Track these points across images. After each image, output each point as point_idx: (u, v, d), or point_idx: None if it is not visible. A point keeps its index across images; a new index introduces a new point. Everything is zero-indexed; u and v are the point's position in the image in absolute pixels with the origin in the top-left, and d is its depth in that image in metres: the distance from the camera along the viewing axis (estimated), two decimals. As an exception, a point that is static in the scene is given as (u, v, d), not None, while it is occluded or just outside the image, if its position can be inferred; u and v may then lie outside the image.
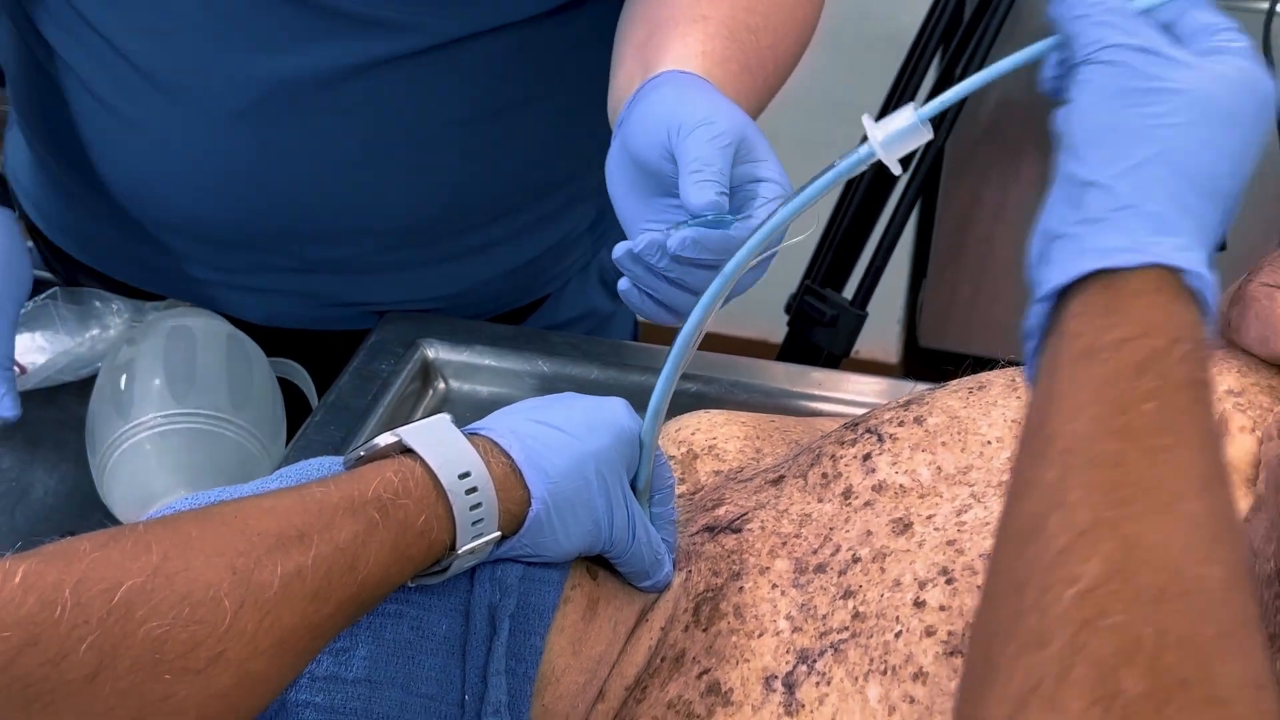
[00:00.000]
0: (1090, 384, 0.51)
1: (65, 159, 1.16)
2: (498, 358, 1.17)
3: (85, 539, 0.56)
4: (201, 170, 1.08)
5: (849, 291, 1.75)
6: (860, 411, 0.89)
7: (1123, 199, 0.55)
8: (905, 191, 1.61)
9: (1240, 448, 0.67)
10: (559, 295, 1.29)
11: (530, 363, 1.15)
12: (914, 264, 2.59)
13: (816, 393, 1.12)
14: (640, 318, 0.92)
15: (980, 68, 1.57)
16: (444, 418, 0.68)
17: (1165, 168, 0.55)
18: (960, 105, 1.54)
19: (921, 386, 0.88)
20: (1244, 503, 0.65)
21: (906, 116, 0.65)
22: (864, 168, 0.67)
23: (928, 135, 0.66)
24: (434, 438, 0.67)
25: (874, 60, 1.96)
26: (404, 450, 0.67)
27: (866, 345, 2.59)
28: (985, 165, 2.50)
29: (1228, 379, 0.77)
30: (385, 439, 0.67)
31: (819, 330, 1.60)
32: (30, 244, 1.24)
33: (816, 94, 2.37)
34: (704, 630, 0.74)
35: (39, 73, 1.13)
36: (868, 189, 1.65)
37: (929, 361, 2.70)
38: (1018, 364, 0.82)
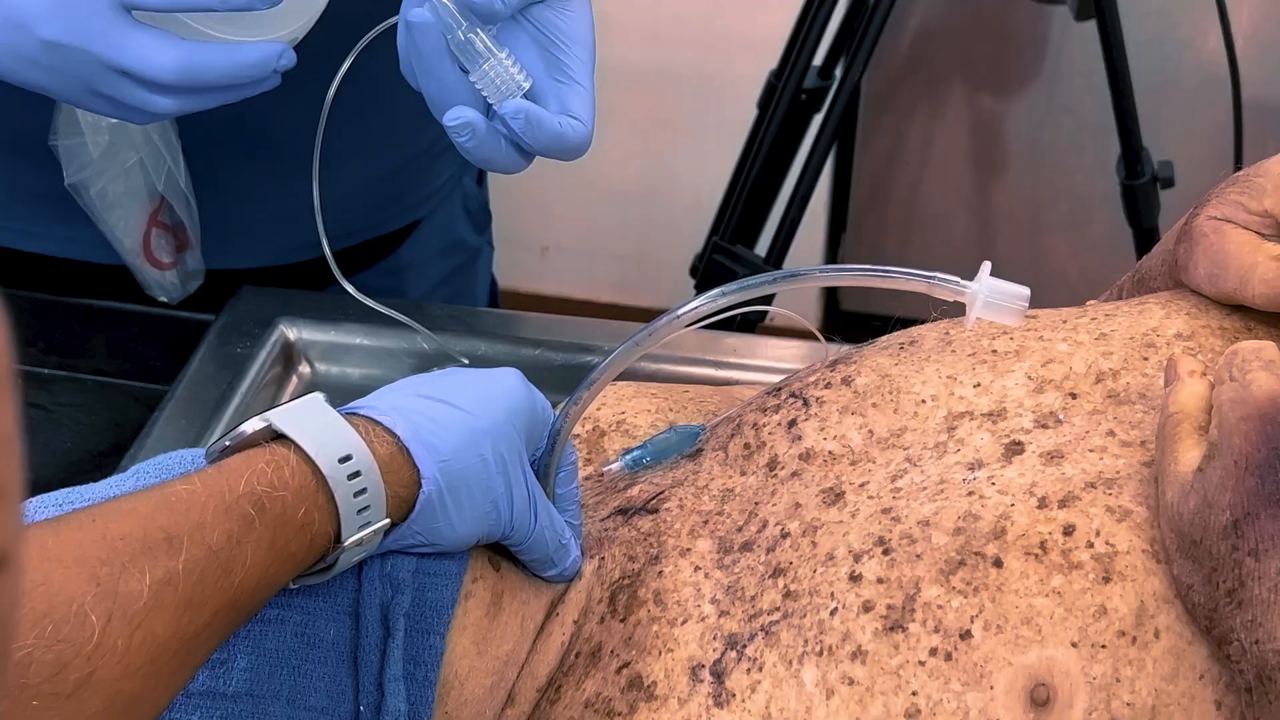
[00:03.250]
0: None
1: None
2: (367, 335, 1.19)
3: None
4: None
5: (762, 249, 1.79)
6: (781, 378, 0.93)
7: None
8: (820, 134, 1.65)
9: (1190, 393, 0.71)
10: (428, 222, 1.33)
11: (408, 339, 1.17)
12: (831, 215, 2.64)
13: (732, 360, 1.16)
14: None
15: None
16: (317, 397, 0.71)
17: None
18: (876, 35, 1.58)
19: (846, 347, 0.91)
20: (1197, 451, 0.69)
21: None
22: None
23: None
24: (308, 420, 0.69)
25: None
26: (275, 436, 0.69)
27: (781, 310, 2.64)
28: (908, 102, 2.55)
29: (1176, 322, 0.82)
30: (253, 424, 0.69)
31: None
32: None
33: (712, 25, 2.43)
34: (621, 621, 0.78)
35: None
36: (778, 132, 1.69)
37: (852, 326, 2.76)
38: (951, 317, 0.86)
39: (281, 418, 0.69)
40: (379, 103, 1.19)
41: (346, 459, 0.68)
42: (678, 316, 0.78)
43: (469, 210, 1.39)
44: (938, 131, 2.57)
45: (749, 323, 1.66)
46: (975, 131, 2.58)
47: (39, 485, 1.17)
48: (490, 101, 0.88)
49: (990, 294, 0.76)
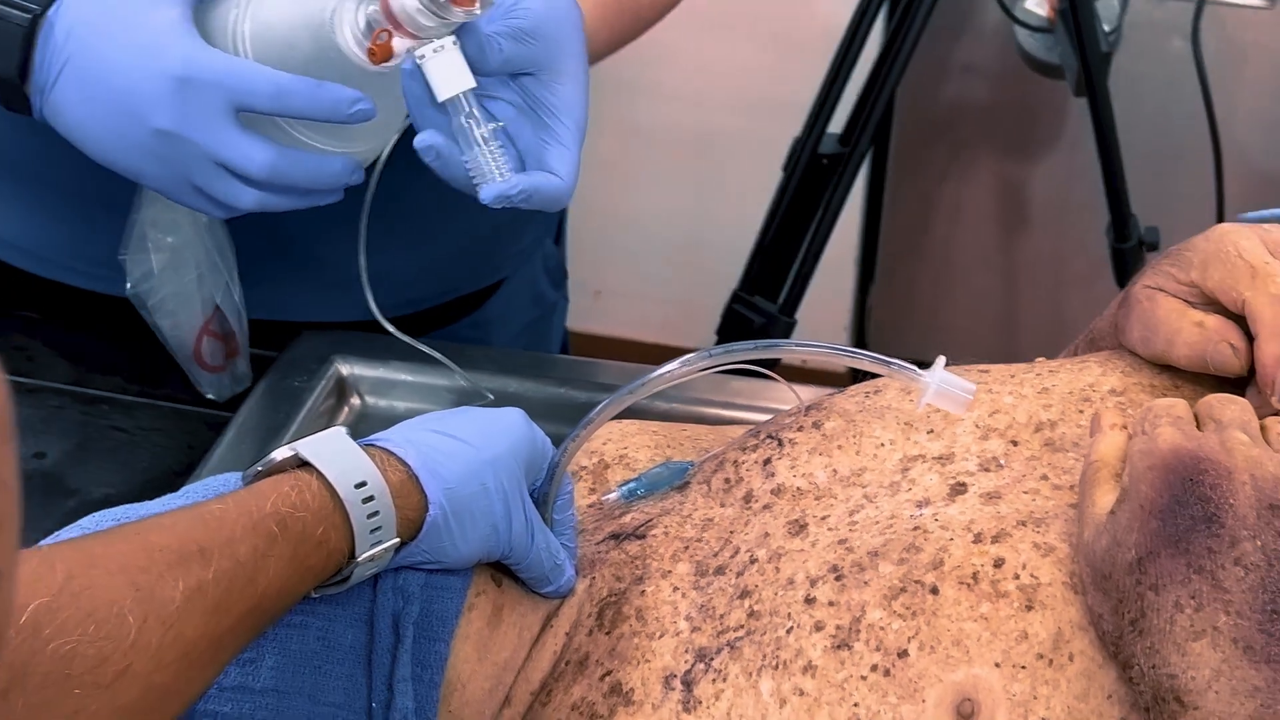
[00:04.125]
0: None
1: (12, 171, 1.21)
2: (412, 373, 1.23)
3: None
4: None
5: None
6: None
7: None
8: (831, 197, 1.68)
9: (1109, 444, 0.75)
10: (512, 279, 1.36)
11: (447, 376, 1.22)
12: (861, 269, 2.67)
13: (736, 401, 1.20)
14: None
15: (902, 68, 1.64)
16: (339, 430, 0.75)
17: None
18: (884, 111, 1.62)
19: (824, 392, 0.95)
20: (1112, 495, 0.73)
21: None
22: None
23: None
24: (329, 450, 0.73)
25: (807, 60, 2.04)
26: (301, 464, 0.73)
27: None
28: (938, 166, 2.58)
29: (1111, 379, 0.85)
30: (281, 453, 0.74)
31: (752, 338, 1.67)
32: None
33: (751, 90, 2.47)
34: (607, 633, 0.82)
35: None
36: (797, 193, 1.73)
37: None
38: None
39: (306, 447, 0.74)
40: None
41: (362, 485, 0.73)
42: (661, 375, 0.82)
43: (548, 268, 1.43)
44: (965, 193, 2.60)
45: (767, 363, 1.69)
46: (1000, 193, 2.60)
47: (119, 498, 1.23)
48: (475, 182, 0.93)
49: (941, 384, 0.79)
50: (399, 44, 0.89)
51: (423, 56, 0.88)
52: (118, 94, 0.90)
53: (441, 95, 0.90)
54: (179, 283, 1.14)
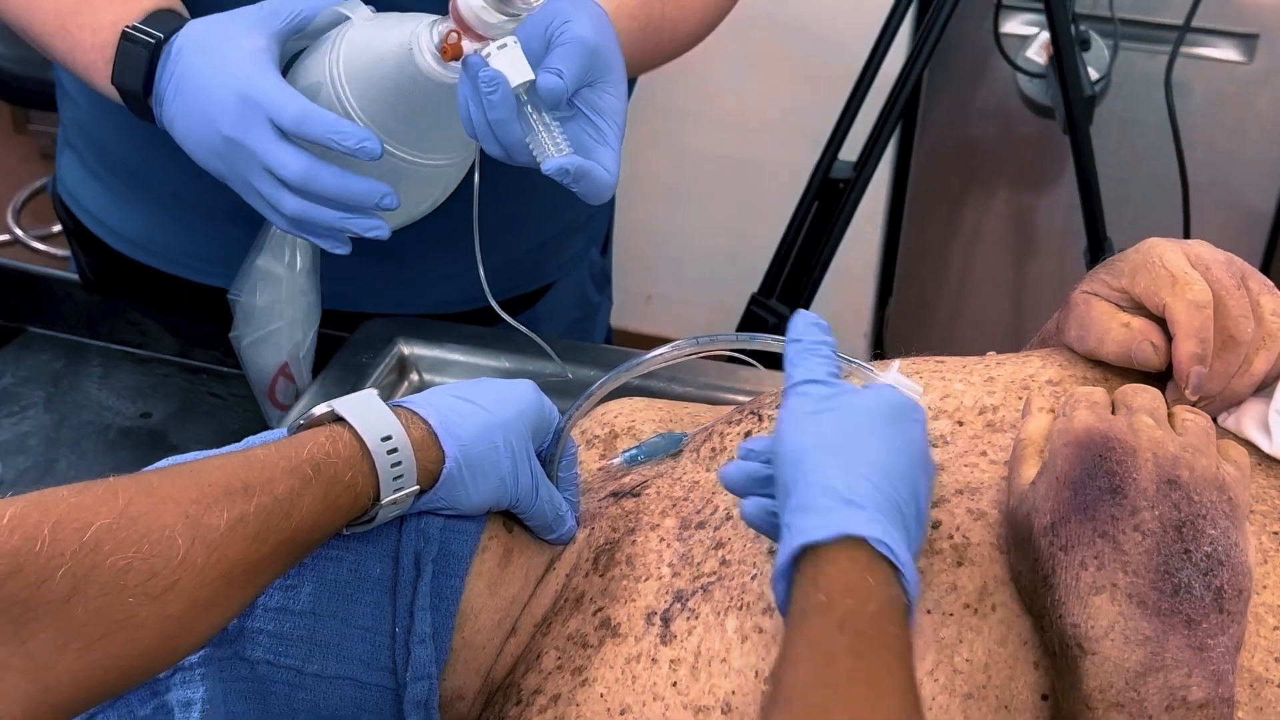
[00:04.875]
0: (805, 640, 0.61)
1: (123, 167, 1.24)
2: (465, 354, 1.25)
3: (64, 488, 0.64)
4: None
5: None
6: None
7: (815, 487, 0.65)
8: (838, 216, 1.69)
9: (1036, 424, 0.75)
10: (561, 284, 1.38)
11: (494, 359, 1.24)
12: (880, 283, 2.67)
13: (741, 387, 1.21)
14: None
15: (913, 90, 1.62)
16: (371, 392, 0.77)
17: (842, 461, 0.66)
18: (887, 140, 1.62)
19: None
20: (1035, 469, 0.73)
21: None
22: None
23: None
24: (361, 407, 0.75)
25: (833, 94, 2.04)
26: (336, 419, 0.75)
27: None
28: (953, 194, 2.57)
29: (1049, 371, 0.85)
30: (320, 409, 0.75)
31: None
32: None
33: (775, 117, 2.47)
34: (600, 576, 0.83)
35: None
36: (810, 213, 1.74)
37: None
38: (883, 358, 0.90)
39: (341, 405, 0.75)
40: (530, 192, 1.24)
41: (387, 438, 0.74)
42: (646, 360, 0.83)
43: (593, 275, 1.44)
44: (977, 218, 2.58)
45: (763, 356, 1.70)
46: (1008, 219, 2.58)
47: (213, 456, 1.25)
48: (536, 158, 0.93)
49: (895, 383, 0.78)
50: (468, 45, 0.89)
51: (489, 54, 0.88)
52: (204, 105, 0.93)
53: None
54: (267, 329, 1.17)
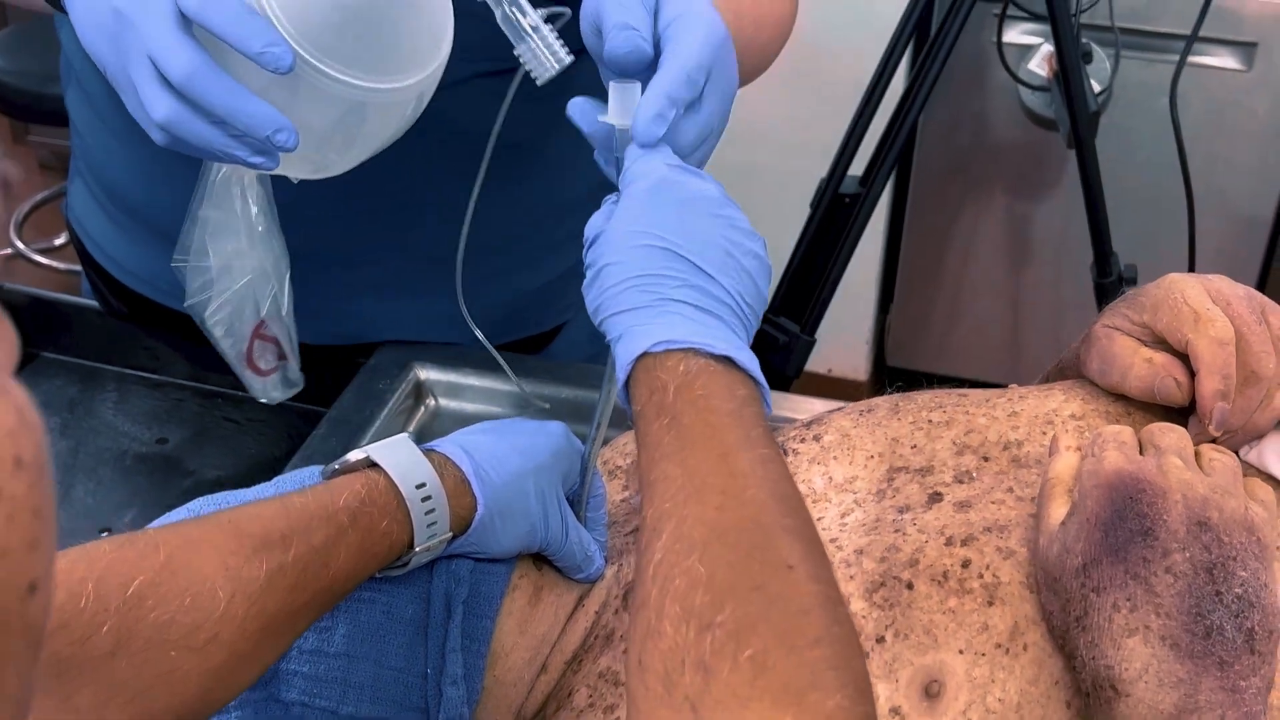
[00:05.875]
0: (641, 433, 0.65)
1: (125, 203, 1.22)
2: (480, 378, 1.25)
3: (106, 542, 0.64)
4: None
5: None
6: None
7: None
8: (847, 233, 1.69)
9: (1064, 463, 0.76)
10: (574, 322, 1.35)
11: (508, 383, 1.24)
12: (881, 290, 2.67)
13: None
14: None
15: (925, 100, 1.63)
16: (404, 437, 0.77)
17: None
18: (898, 156, 1.62)
19: (828, 408, 0.96)
20: (1064, 509, 0.74)
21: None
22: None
23: None
24: (396, 454, 0.75)
25: (837, 107, 2.04)
26: (371, 465, 0.75)
27: (838, 365, 2.68)
28: (952, 203, 2.58)
29: (1073, 405, 0.86)
30: (355, 455, 0.75)
31: (774, 355, 1.69)
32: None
33: (787, 132, 2.48)
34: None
35: (104, 127, 1.20)
36: (820, 227, 1.74)
37: (895, 379, 2.78)
38: (903, 389, 0.91)
39: (376, 451, 0.75)
40: (531, 231, 1.21)
41: (421, 485, 0.74)
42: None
43: None
44: (976, 227, 2.60)
45: (786, 379, 1.71)
46: (1006, 228, 2.59)
47: (229, 480, 1.26)
48: (533, 75, 0.79)
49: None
50: None
51: None
52: None
53: None
54: (232, 289, 1.03)
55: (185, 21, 0.75)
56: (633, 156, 0.73)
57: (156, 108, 0.77)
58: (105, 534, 1.18)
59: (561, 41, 0.77)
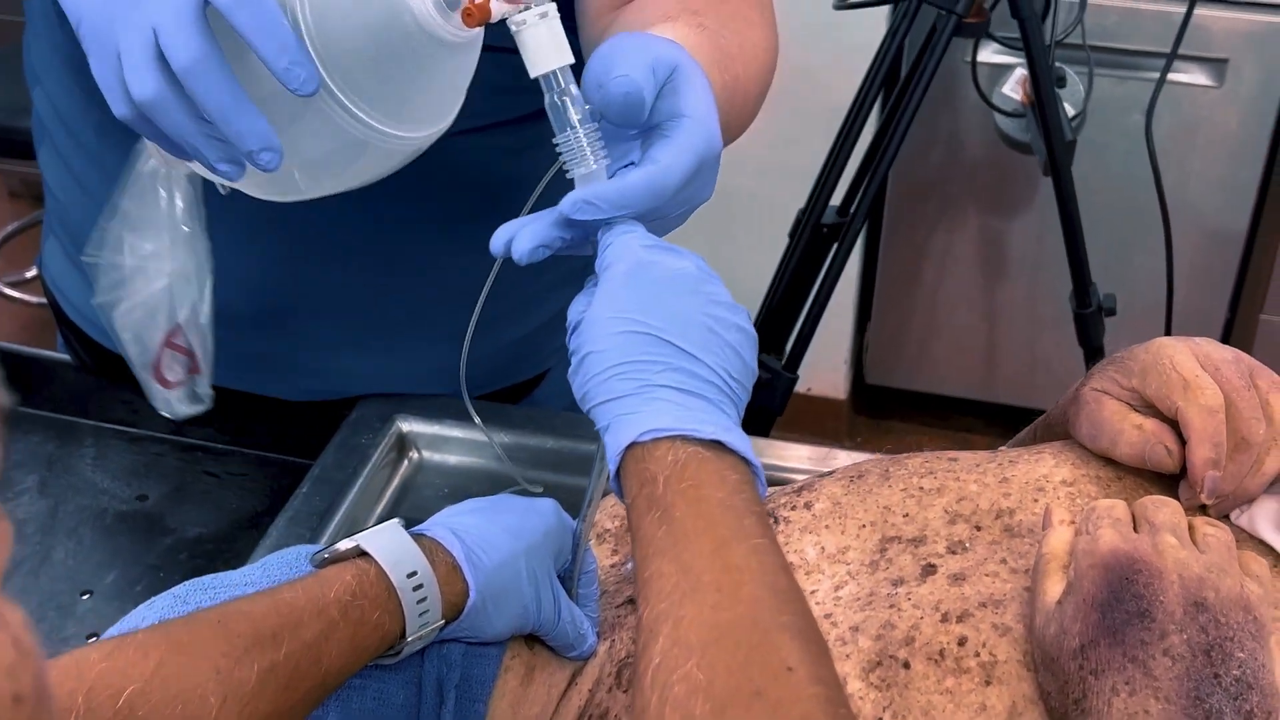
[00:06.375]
0: (634, 526, 0.64)
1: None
2: (464, 430, 1.24)
3: (95, 650, 0.64)
4: (227, 266, 1.02)
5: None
6: (787, 475, 0.97)
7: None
8: (832, 263, 1.69)
9: (1058, 538, 0.75)
10: (556, 370, 1.33)
11: (493, 434, 1.23)
12: (859, 311, 2.68)
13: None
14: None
15: (903, 135, 1.62)
16: (395, 523, 0.76)
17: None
18: (880, 185, 1.62)
19: (837, 452, 0.95)
20: (1060, 586, 0.73)
21: None
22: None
23: None
24: (387, 542, 0.75)
25: (816, 132, 2.04)
26: (361, 554, 0.75)
27: (818, 384, 2.68)
28: (927, 221, 2.58)
29: (1063, 470, 0.85)
30: (345, 544, 0.75)
31: (758, 393, 1.68)
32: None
33: (765, 156, 2.47)
34: (624, 692, 0.82)
35: (79, 187, 1.19)
36: (801, 259, 1.74)
37: (878, 398, 2.78)
38: (893, 454, 0.90)
39: (367, 540, 0.75)
40: (515, 281, 1.19)
41: (413, 574, 0.74)
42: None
43: None
44: (951, 244, 2.60)
45: (770, 415, 1.70)
46: (981, 245, 2.60)
47: (210, 538, 1.24)
48: (565, 166, 0.75)
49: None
50: (500, 7, 0.71)
51: (523, 23, 0.71)
52: None
53: (535, 70, 0.73)
54: (147, 291, 0.95)
55: (204, 3, 0.68)
56: (607, 240, 0.72)
57: (141, 86, 0.69)
58: (87, 596, 1.17)
59: (603, 145, 0.74)
